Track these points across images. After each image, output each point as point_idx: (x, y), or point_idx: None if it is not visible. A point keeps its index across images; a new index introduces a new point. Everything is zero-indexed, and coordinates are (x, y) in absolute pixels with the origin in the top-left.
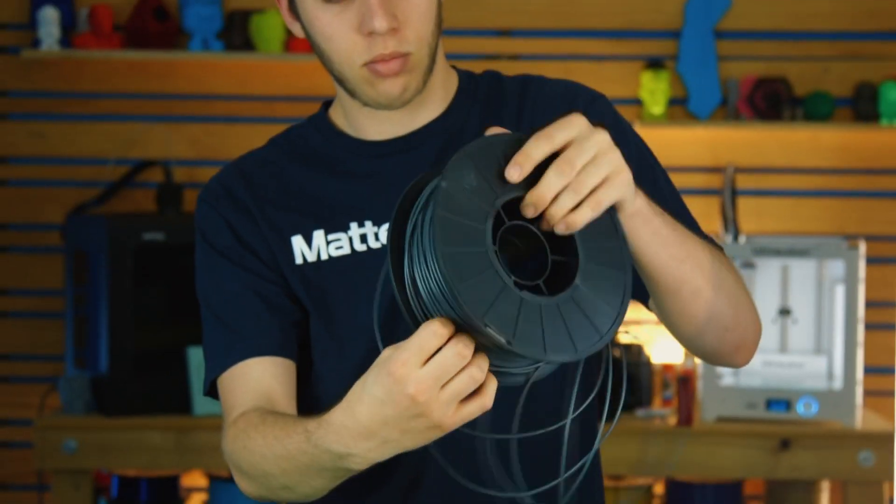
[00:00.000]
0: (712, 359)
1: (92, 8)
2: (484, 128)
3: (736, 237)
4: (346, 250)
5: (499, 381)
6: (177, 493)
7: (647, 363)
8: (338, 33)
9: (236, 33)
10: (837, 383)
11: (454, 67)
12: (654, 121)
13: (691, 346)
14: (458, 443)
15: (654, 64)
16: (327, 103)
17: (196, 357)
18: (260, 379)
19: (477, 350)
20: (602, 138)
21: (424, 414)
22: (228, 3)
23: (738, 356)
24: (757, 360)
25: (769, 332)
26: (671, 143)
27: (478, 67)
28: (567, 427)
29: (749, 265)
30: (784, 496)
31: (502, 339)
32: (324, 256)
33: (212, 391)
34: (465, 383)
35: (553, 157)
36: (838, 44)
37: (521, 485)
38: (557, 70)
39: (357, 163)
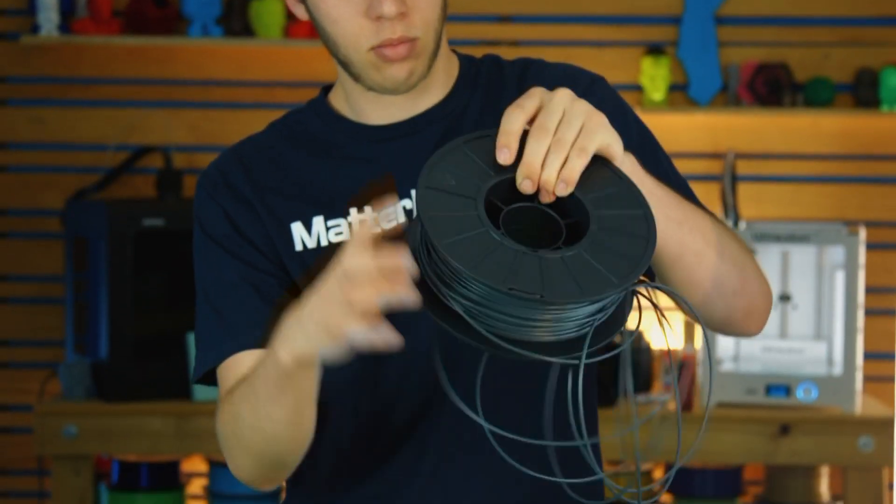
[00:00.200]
0: (724, 328)
1: None
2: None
3: (736, 223)
4: (347, 236)
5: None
6: (177, 478)
7: (647, 349)
8: (344, 16)
9: (236, 19)
10: (837, 369)
11: (455, 52)
12: (654, 107)
13: (702, 318)
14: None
15: (655, 50)
16: (326, 88)
17: None
18: (254, 368)
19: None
20: (564, 95)
21: (336, 289)
22: None
23: (749, 323)
24: (757, 346)
25: (770, 319)
26: (671, 129)
27: (478, 53)
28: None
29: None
30: (784, 481)
31: (534, 297)
32: (324, 242)
33: (202, 379)
34: (355, 303)
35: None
36: (839, 29)
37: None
38: (558, 56)
39: (357, 147)
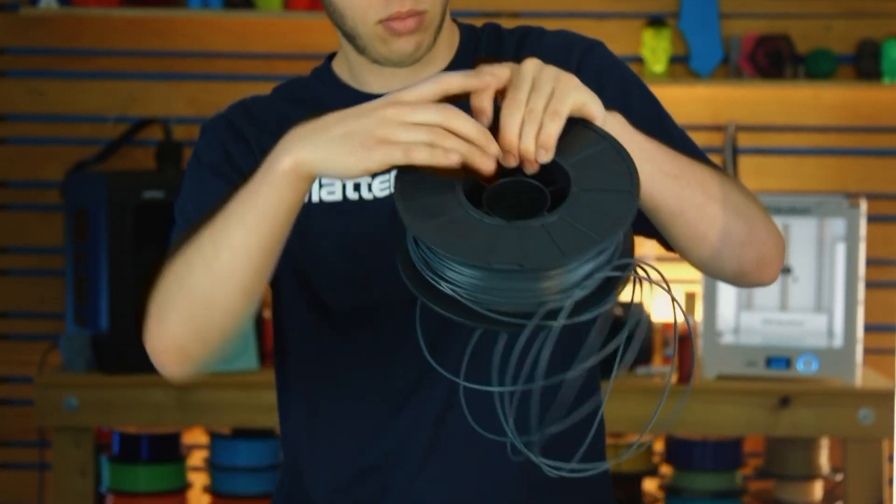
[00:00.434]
0: (738, 280)
1: None
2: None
3: None
4: (338, 197)
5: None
6: (178, 450)
7: (648, 321)
8: None
9: None
10: (838, 341)
11: (455, 21)
12: (655, 79)
13: (714, 272)
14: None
15: (656, 21)
16: (331, 56)
17: None
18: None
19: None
20: (531, 64)
21: (385, 109)
22: None
23: (763, 272)
24: (757, 319)
25: (770, 291)
26: (672, 101)
27: (479, 24)
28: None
29: None
30: (784, 453)
31: (513, 267)
32: (314, 199)
33: None
34: (424, 129)
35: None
36: (840, 1)
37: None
38: (558, 27)
39: None
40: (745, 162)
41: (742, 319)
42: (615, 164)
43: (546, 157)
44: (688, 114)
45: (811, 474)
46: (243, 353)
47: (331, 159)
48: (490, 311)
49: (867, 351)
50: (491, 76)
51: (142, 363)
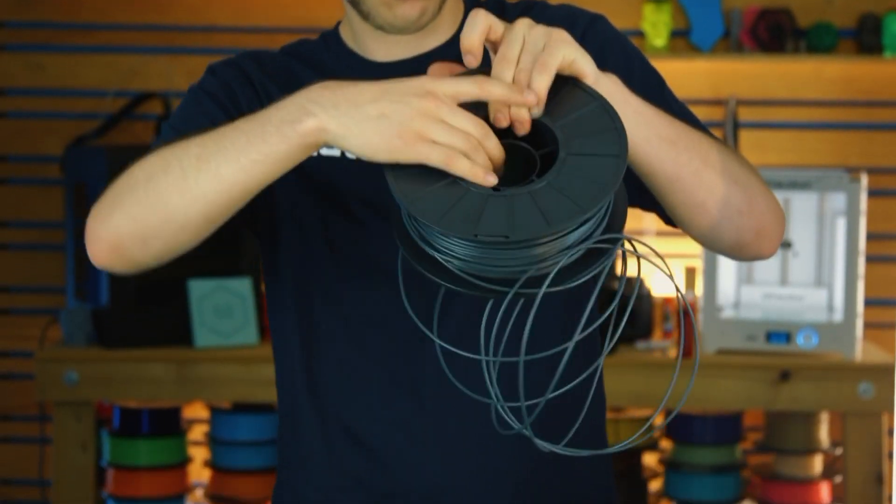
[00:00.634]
0: (737, 251)
1: None
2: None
3: None
4: (337, 152)
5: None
6: (178, 425)
7: (648, 295)
8: None
9: None
10: (838, 315)
11: None
12: (656, 53)
13: (713, 243)
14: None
15: None
16: (340, 21)
17: (197, 289)
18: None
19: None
20: (522, 24)
21: (424, 99)
22: None
23: (762, 243)
24: (757, 293)
25: (770, 265)
26: (673, 75)
27: None
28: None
29: None
30: (783, 427)
31: (499, 239)
32: (314, 153)
33: None
34: (462, 137)
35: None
36: None
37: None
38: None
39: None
40: (745, 136)
41: (742, 294)
42: (604, 126)
43: (537, 110)
44: (688, 88)
45: (811, 448)
46: (244, 328)
47: (361, 138)
48: (479, 278)
49: (867, 325)
50: (531, 94)
51: (142, 337)
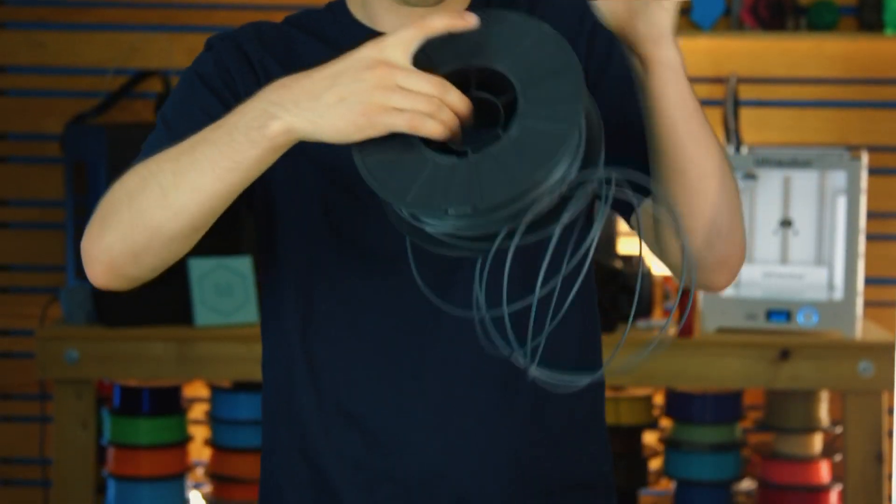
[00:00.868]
0: (700, 276)
1: None
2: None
3: (738, 148)
4: None
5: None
6: (178, 403)
7: (648, 274)
8: None
9: None
10: (838, 294)
11: None
12: None
13: (675, 254)
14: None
15: None
16: None
17: (198, 268)
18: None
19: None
20: None
21: (376, 71)
22: None
23: (721, 273)
24: (757, 272)
25: (770, 243)
26: None
27: None
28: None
29: (751, 176)
30: (783, 406)
31: (467, 208)
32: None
33: None
34: (423, 99)
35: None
36: None
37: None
38: None
39: None
40: (746, 114)
41: (742, 272)
42: (560, 63)
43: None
44: (689, 66)
45: (811, 427)
46: (244, 307)
47: (328, 127)
48: (474, 238)
49: (867, 304)
50: (470, 16)
51: (142, 316)
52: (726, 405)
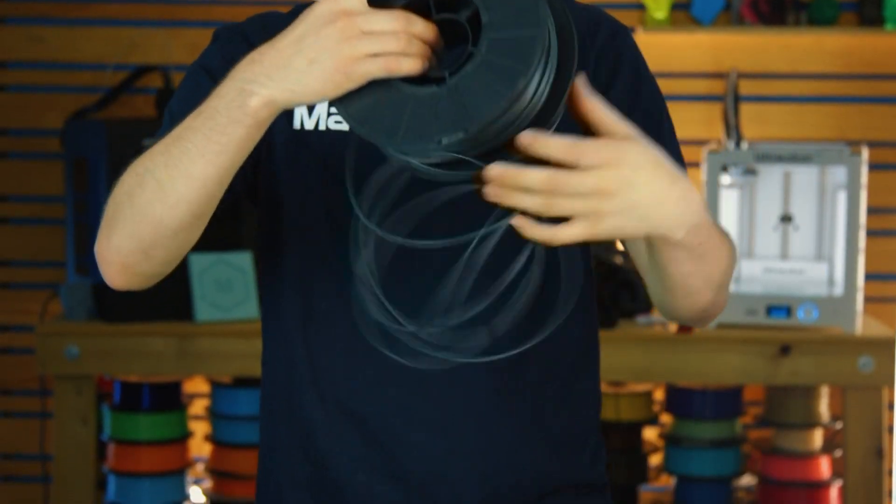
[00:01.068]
0: (673, 319)
1: None
2: None
3: (738, 143)
4: (346, 126)
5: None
6: (179, 399)
7: None
8: None
9: None
10: (838, 289)
11: None
12: (656, 26)
13: (661, 305)
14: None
15: None
16: None
17: (198, 264)
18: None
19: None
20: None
21: (337, 23)
22: None
23: (702, 321)
24: (758, 267)
25: (770, 239)
26: (674, 49)
27: None
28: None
29: (751, 171)
30: (784, 402)
31: (459, 135)
32: (322, 126)
33: None
34: (391, 37)
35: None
36: None
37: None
38: None
39: None
40: (746, 109)
41: (743, 268)
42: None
43: None
44: (689, 61)
45: (811, 422)
46: (244, 302)
47: (307, 91)
48: (481, 156)
49: (867, 299)
50: None
51: (142, 312)
52: (726, 401)
